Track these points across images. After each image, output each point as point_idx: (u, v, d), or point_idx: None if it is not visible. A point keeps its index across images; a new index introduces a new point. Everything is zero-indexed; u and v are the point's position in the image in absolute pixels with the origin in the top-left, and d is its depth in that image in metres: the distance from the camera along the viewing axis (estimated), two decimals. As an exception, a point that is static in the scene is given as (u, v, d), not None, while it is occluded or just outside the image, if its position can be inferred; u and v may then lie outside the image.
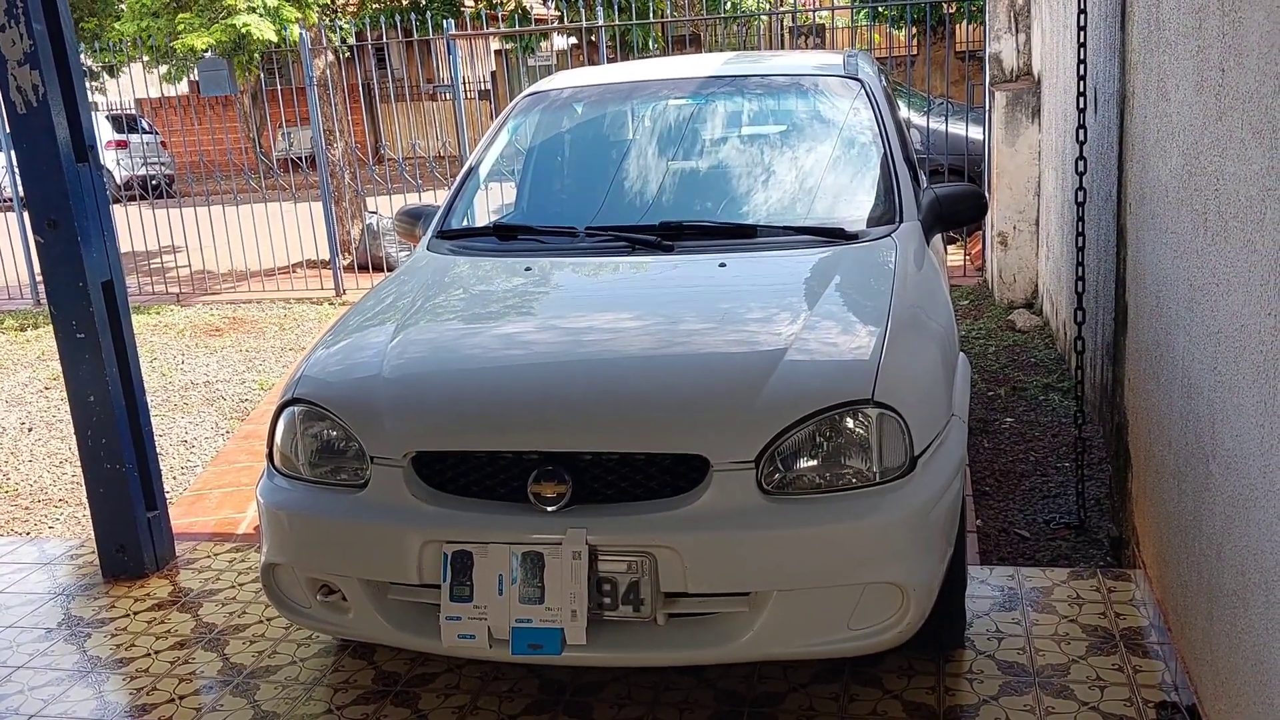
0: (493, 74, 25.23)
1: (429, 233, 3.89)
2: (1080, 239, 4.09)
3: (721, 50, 18.25)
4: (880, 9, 18.41)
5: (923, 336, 2.94)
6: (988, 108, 8.28)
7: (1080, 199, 4.05)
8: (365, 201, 11.70)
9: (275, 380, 7.06)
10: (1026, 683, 3.04)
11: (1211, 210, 2.57)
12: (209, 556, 4.21)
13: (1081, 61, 3.99)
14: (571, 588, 2.54)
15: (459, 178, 4.09)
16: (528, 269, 3.42)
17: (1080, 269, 4.11)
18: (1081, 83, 4.00)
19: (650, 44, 22.23)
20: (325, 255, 11.49)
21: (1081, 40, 3.96)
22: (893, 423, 2.63)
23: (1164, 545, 3.13)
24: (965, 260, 9.49)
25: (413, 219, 4.10)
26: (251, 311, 9.46)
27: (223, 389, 6.90)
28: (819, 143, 3.93)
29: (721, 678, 3.13)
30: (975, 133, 9.62)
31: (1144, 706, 2.90)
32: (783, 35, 22.08)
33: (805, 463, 2.62)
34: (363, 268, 10.66)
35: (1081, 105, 4.00)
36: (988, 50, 8.25)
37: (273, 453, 2.98)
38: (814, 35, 22.59)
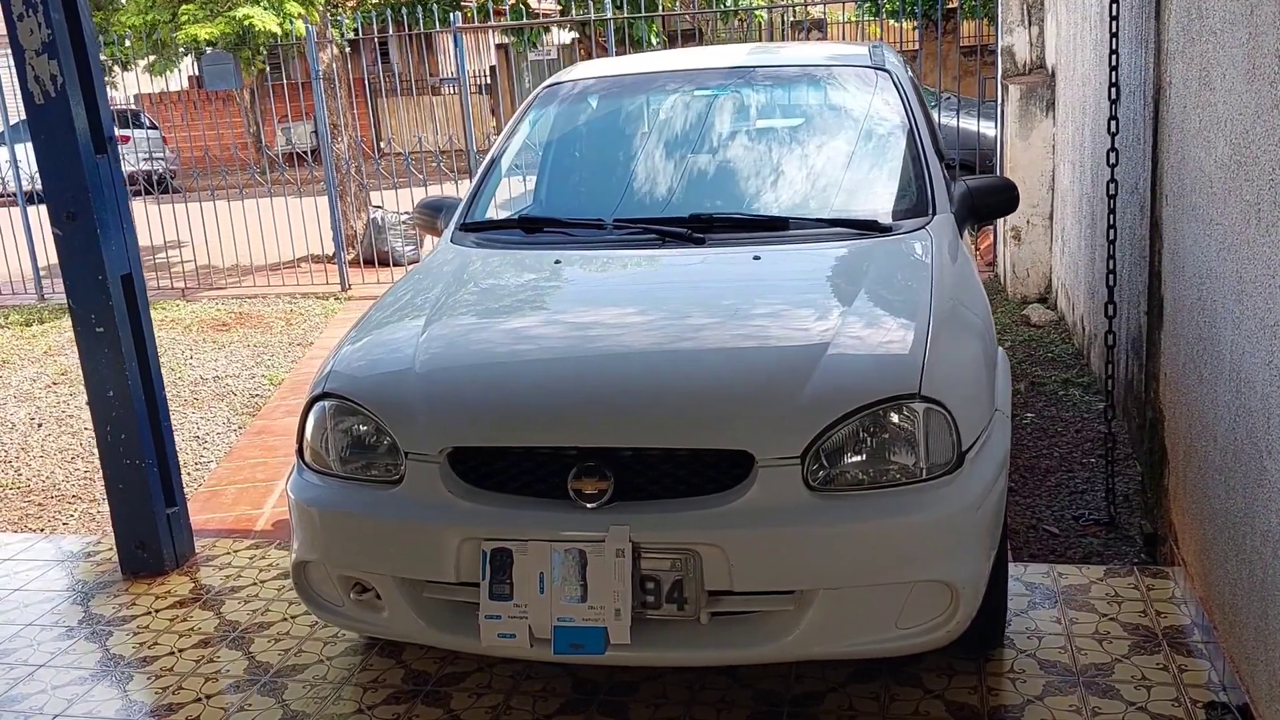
0: (493, 68, 25.15)
1: (452, 225, 3.83)
2: (1111, 231, 4.04)
3: (723, 45, 18.17)
4: (883, 3, 18.36)
5: (964, 331, 2.89)
6: (1000, 101, 8.23)
7: (1112, 191, 3.99)
8: (370, 196, 11.63)
9: (285, 375, 7.00)
10: (1070, 682, 2.99)
11: (1265, 201, 2.52)
12: (229, 553, 4.16)
13: (1114, 52, 3.94)
14: (615, 586, 2.49)
15: (480, 170, 4.03)
16: (557, 262, 3.36)
17: (1111, 262, 4.06)
18: (1114, 73, 3.95)
19: (653, 38, 22.18)
20: (329, 250, 11.45)
21: (1114, 30, 3.91)
22: (939, 418, 2.57)
23: (1208, 542, 3.08)
24: (975, 255, 9.44)
25: (433, 211, 4.04)
26: (257, 306, 9.40)
27: (232, 384, 6.84)
28: (848, 134, 3.87)
29: (759, 677, 3.08)
30: (983, 127, 9.56)
31: (1192, 707, 2.85)
32: (784, 30, 22.03)
33: (850, 459, 2.57)
34: (368, 262, 10.60)
35: (1114, 96, 3.94)
36: (1000, 43, 8.19)
37: (303, 448, 2.93)
38: (815, 30, 22.54)
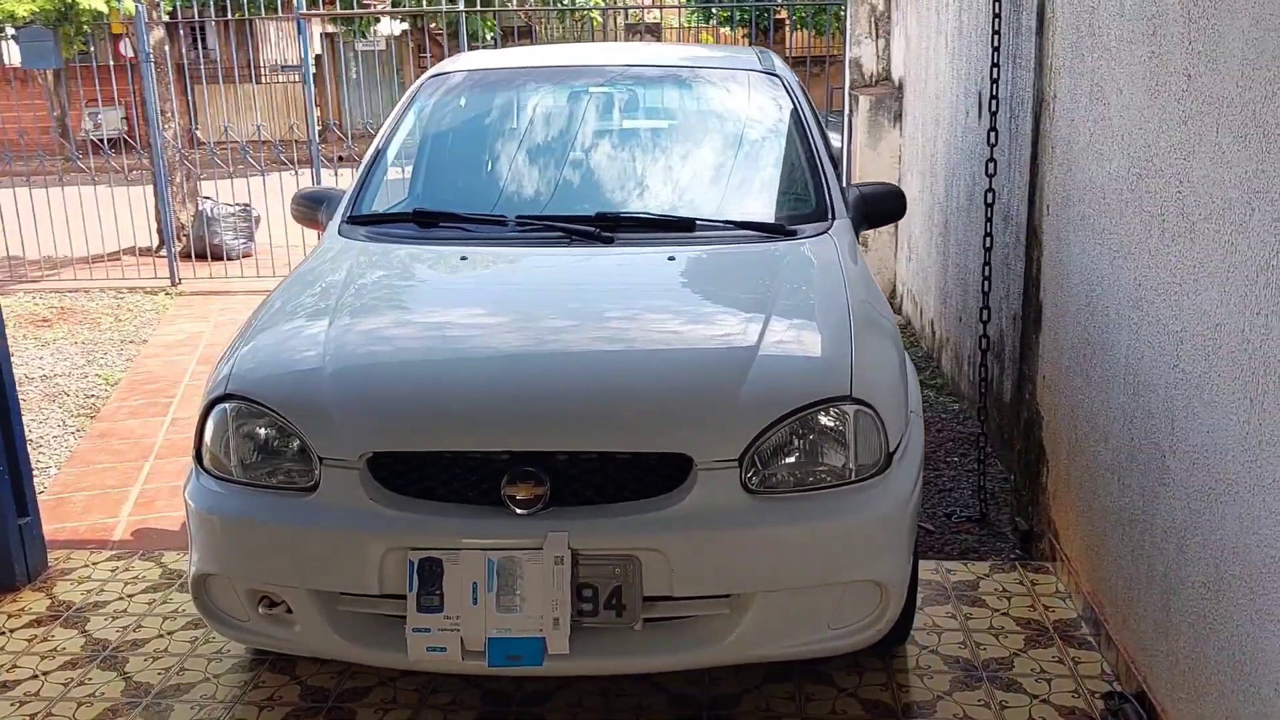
0: (318, 57, 24.37)
1: (337, 218, 3.67)
2: (988, 240, 4.19)
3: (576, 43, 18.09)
4: (714, 10, 18.67)
5: (881, 334, 2.94)
6: (848, 111, 8.47)
7: (990, 200, 4.15)
8: (199, 186, 11.07)
9: (121, 375, 6.58)
10: (975, 677, 3.08)
11: (1170, 212, 2.65)
12: (86, 565, 3.86)
13: (996, 65, 4.08)
14: (554, 595, 2.42)
15: (365, 161, 3.87)
16: (463, 258, 3.25)
17: (987, 269, 4.21)
18: (995, 86, 4.10)
19: (487, 34, 21.95)
20: (151, 242, 10.84)
21: (996, 45, 4.06)
22: (869, 419, 2.61)
23: (1097, 539, 3.23)
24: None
25: (313, 203, 3.86)
26: (80, 301, 8.81)
27: (64, 384, 6.38)
28: (746, 137, 3.89)
29: (673, 681, 3.05)
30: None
31: (1091, 698, 2.97)
32: (618, 33, 22.14)
33: (785, 461, 2.58)
34: (196, 256, 10.06)
35: (995, 108, 4.09)
36: (847, 54, 8.43)
37: (201, 453, 2.73)
38: (650, 34, 22.74)
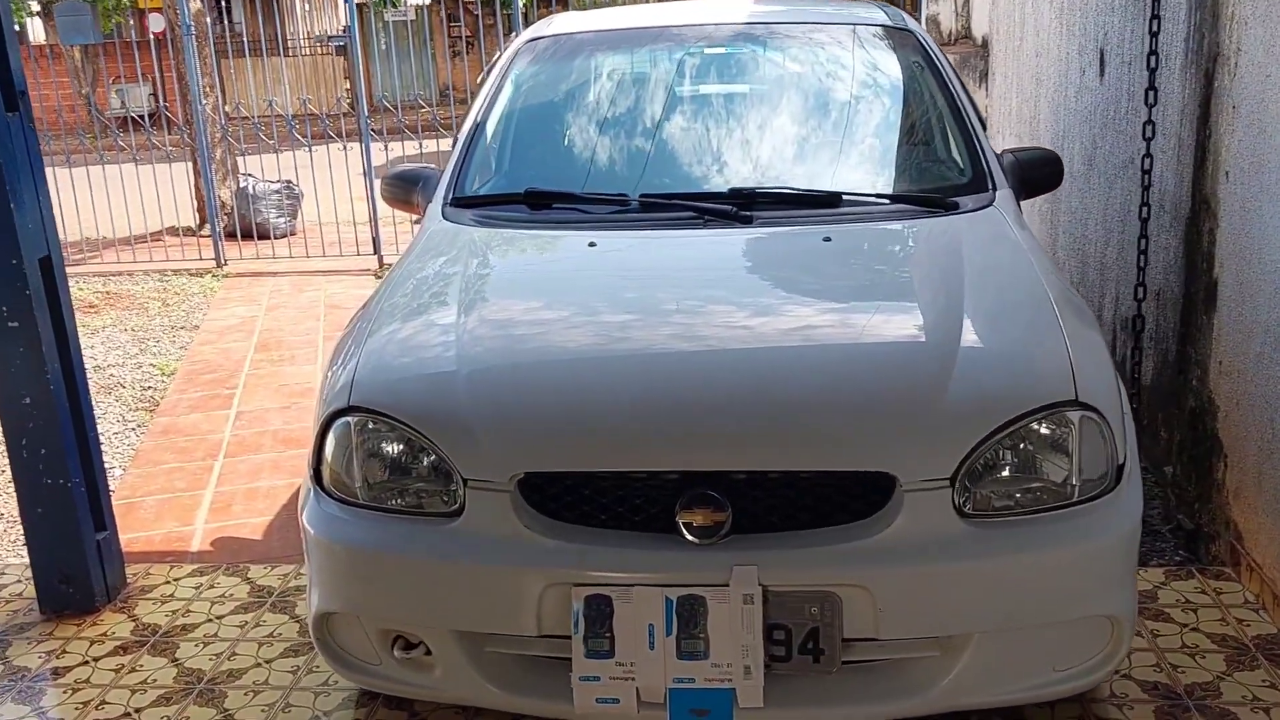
0: (347, 29, 24.00)
1: (438, 200, 3.31)
2: (1145, 209, 3.80)
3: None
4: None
5: (1088, 323, 2.56)
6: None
7: (1147, 166, 3.75)
8: (238, 163, 10.75)
9: (176, 364, 6.28)
10: (1181, 706, 2.73)
11: None
12: (168, 582, 3.56)
13: (1156, 16, 3.68)
14: (744, 639, 2.08)
15: (463, 137, 3.51)
16: (592, 244, 2.89)
17: (1144, 242, 3.83)
18: (1154, 40, 3.69)
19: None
20: (193, 222, 10.53)
21: (1155, 11, 3.65)
22: (1096, 427, 2.25)
23: (1310, 547, 2.86)
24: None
25: (408, 183, 3.50)
26: (125, 285, 8.53)
27: (118, 375, 6.09)
28: (889, 101, 3.51)
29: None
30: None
31: (1321, 730, 2.62)
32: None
33: (997, 479, 2.22)
34: (235, 235, 9.70)
35: (1154, 65, 3.69)
36: (924, 12, 8.01)
37: (320, 471, 2.40)
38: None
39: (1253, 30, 3.15)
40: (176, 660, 3.11)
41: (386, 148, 9.46)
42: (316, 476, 2.41)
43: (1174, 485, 3.84)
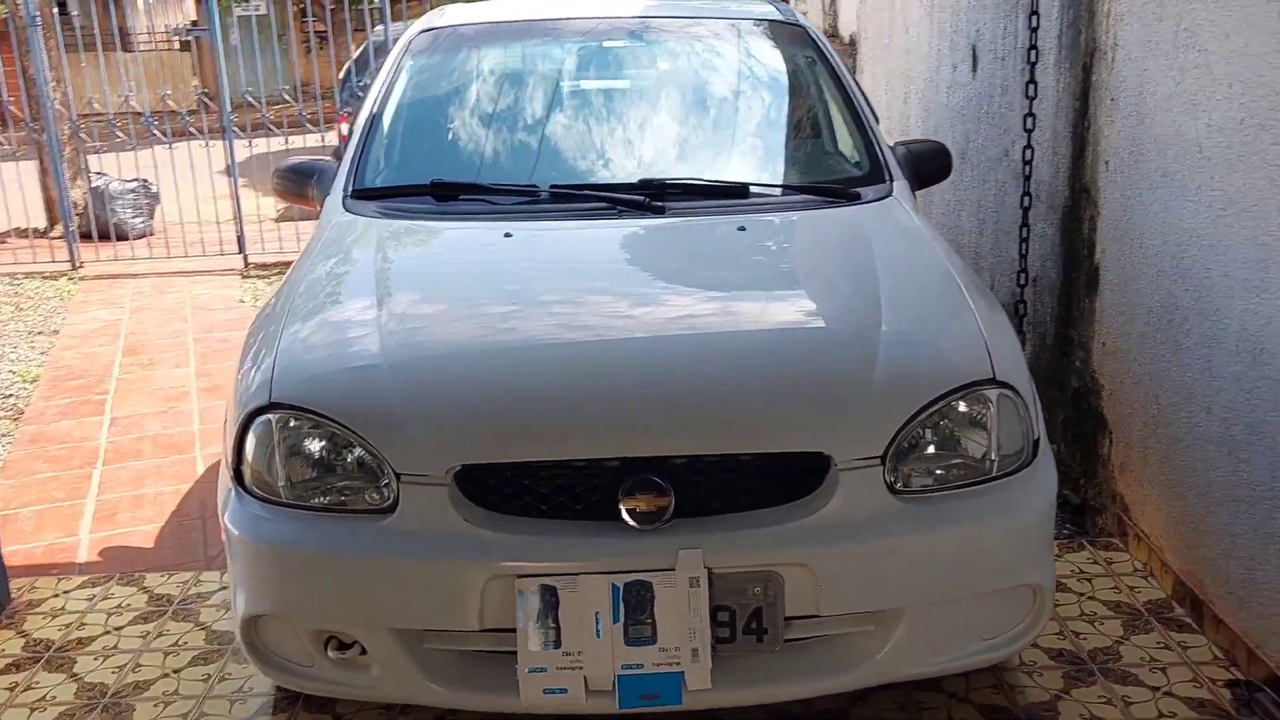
0: (194, 23, 23.16)
1: (338, 192, 3.24)
2: (1027, 198, 3.96)
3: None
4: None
5: (993, 305, 2.66)
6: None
7: (1028, 157, 3.92)
8: (88, 161, 10.25)
9: (38, 370, 5.97)
10: (1086, 671, 2.86)
11: (1318, 165, 2.43)
12: (57, 595, 3.39)
13: (1035, 13, 3.83)
14: (691, 622, 2.10)
15: (360, 129, 3.44)
16: (508, 235, 2.87)
17: (1025, 229, 3.99)
18: (1034, 35, 3.85)
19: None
20: (40, 223, 10.01)
21: (1034, 7, 3.80)
22: (1012, 404, 2.34)
23: (1195, 516, 3.03)
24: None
25: (303, 176, 3.42)
26: (-30, 289, 8.06)
27: (-25, 383, 5.76)
28: (786, 94, 3.58)
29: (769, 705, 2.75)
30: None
31: (1214, 686, 2.78)
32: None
33: (926, 456, 2.29)
34: (89, 236, 9.24)
35: (1034, 60, 3.85)
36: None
37: (241, 472, 2.32)
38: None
39: (1129, 26, 3.31)
40: (75, 675, 2.97)
41: (251, 144, 9.18)
42: (238, 477, 2.32)
43: (1060, 462, 4.01)
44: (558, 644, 2.10)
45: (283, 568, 2.25)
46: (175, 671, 2.98)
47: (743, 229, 2.87)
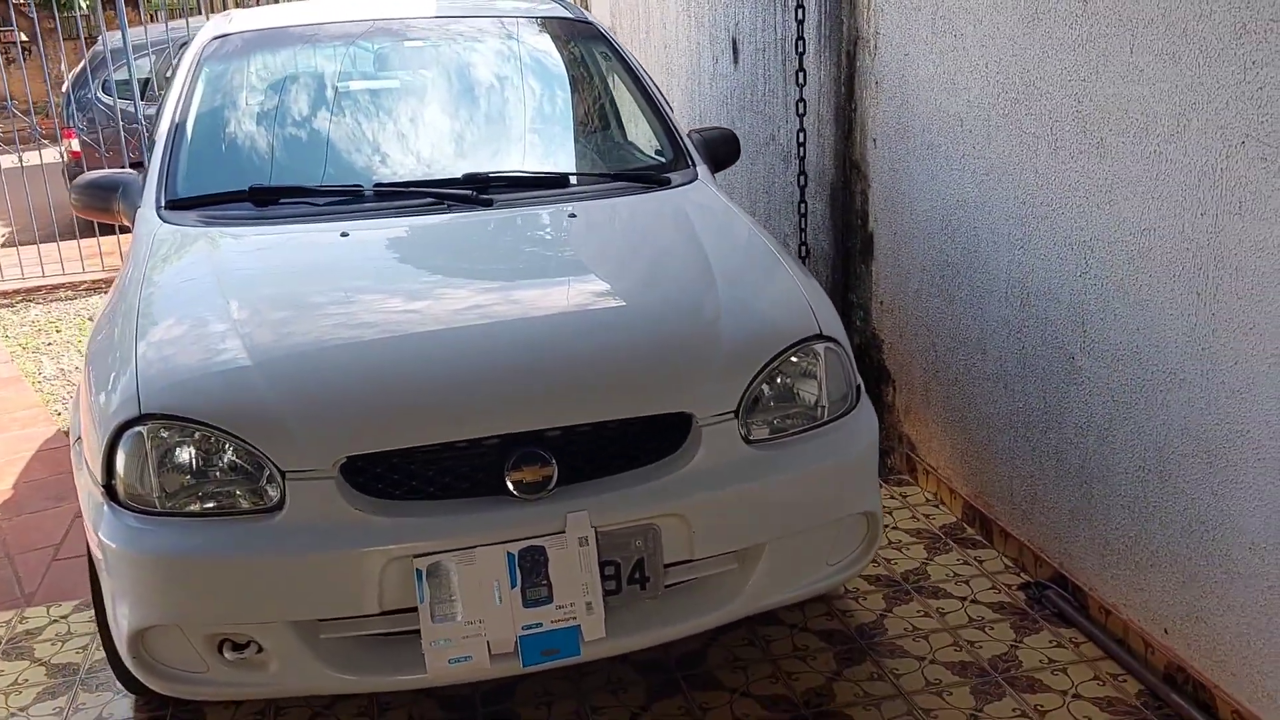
0: None
1: (149, 204, 3.18)
2: (803, 177, 4.31)
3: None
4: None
5: (803, 270, 2.95)
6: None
7: (801, 140, 4.27)
8: None
9: None
10: (903, 591, 3.22)
11: (1067, 131, 2.84)
12: None
13: (800, 6, 4.17)
14: (583, 578, 2.27)
15: (163, 138, 3.38)
16: (344, 234, 2.92)
17: (803, 206, 4.35)
18: (801, 27, 4.19)
19: (82, 1, 19.85)
20: None
21: (800, 2, 4.14)
22: (836, 356, 2.63)
23: (978, 446, 3.44)
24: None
25: (106, 190, 3.35)
26: None
27: None
28: (585, 88, 3.76)
29: (634, 652, 2.95)
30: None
31: (1010, 590, 3.19)
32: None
33: (768, 408, 2.54)
34: None
35: (802, 49, 4.19)
36: (544, 7, 8.36)
37: (112, 486, 2.30)
38: (267, -4, 21.45)
39: (889, 16, 3.70)
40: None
41: None
42: (110, 492, 2.30)
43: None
44: (457, 616, 2.22)
45: (169, 576, 2.25)
46: (22, 710, 2.87)
47: (574, 215, 3.04)
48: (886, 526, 3.58)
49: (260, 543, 2.22)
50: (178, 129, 3.39)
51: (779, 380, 2.57)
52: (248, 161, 3.40)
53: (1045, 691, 2.73)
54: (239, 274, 2.77)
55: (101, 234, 8.18)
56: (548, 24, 3.95)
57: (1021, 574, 3.27)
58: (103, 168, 8.79)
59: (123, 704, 2.87)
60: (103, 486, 2.31)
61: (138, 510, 2.28)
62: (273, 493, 2.25)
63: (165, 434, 2.29)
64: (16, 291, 7.85)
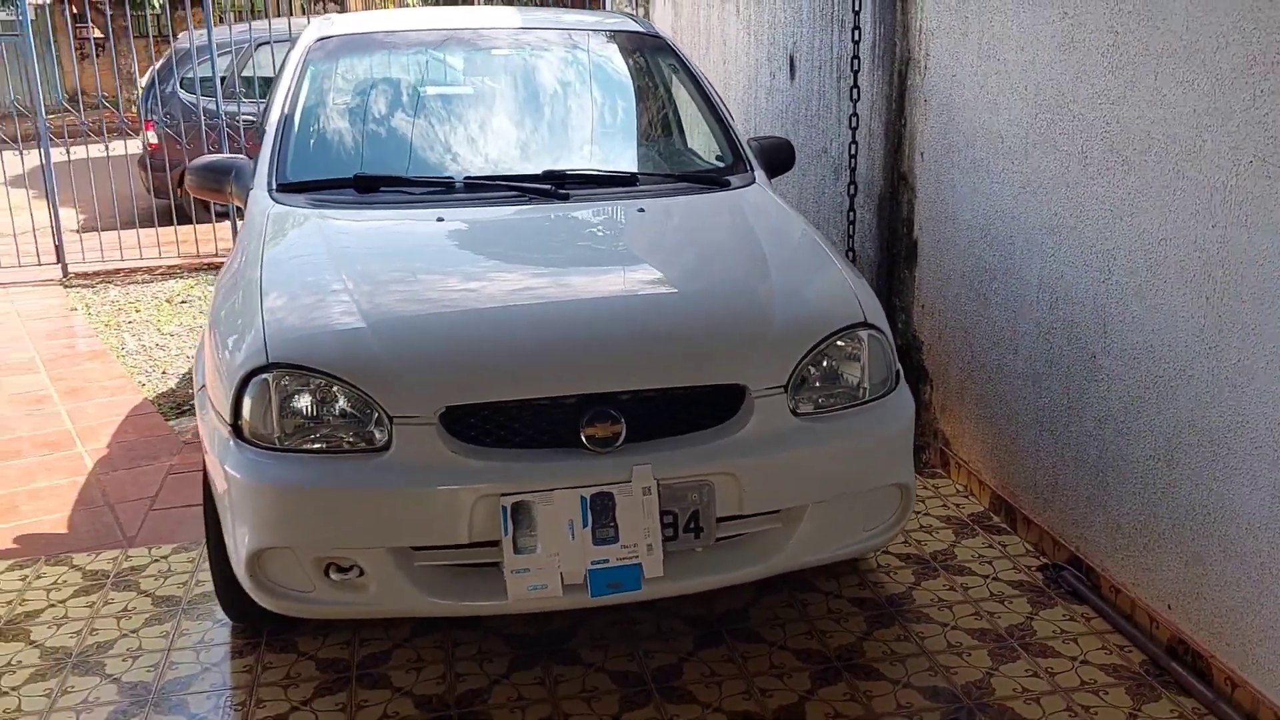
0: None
1: (260, 186, 3.54)
2: (852, 186, 4.61)
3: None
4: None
5: (850, 265, 3.25)
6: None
7: (853, 152, 4.57)
8: None
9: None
10: (931, 568, 3.49)
11: (1096, 149, 3.12)
12: (-15, 578, 3.53)
13: (857, 28, 4.48)
14: (645, 523, 2.57)
15: (274, 129, 3.73)
16: (440, 219, 3.26)
17: (852, 213, 4.64)
18: (857, 47, 4.49)
19: (155, 0, 20.52)
20: None
21: (856, 8, 4.45)
22: (878, 343, 2.92)
23: (1007, 439, 3.71)
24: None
25: (220, 173, 3.71)
26: None
27: None
28: (656, 96, 4.09)
29: (682, 604, 3.25)
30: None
31: (1030, 570, 3.46)
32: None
33: (815, 384, 2.84)
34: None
35: (856, 68, 4.49)
36: (607, 22, 8.72)
37: (239, 426, 2.64)
38: (333, 1, 22.02)
39: (939, 41, 3.99)
40: (34, 643, 3.17)
41: (22, 153, 8.89)
42: (236, 431, 2.64)
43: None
44: (536, 549, 2.53)
45: (287, 504, 2.58)
46: (133, 631, 3.22)
47: (642, 210, 3.37)
48: (919, 513, 3.86)
49: (369, 477, 2.55)
50: (286, 120, 3.75)
51: (825, 362, 2.86)
52: (348, 152, 3.75)
53: (1056, 657, 3.00)
54: (349, 249, 3.11)
55: (179, 223, 8.62)
56: (621, 37, 4.29)
57: (1040, 557, 3.53)
58: (181, 159, 9.26)
59: (221, 631, 3.21)
60: (230, 425, 2.65)
61: (260, 447, 2.62)
62: (378, 435, 2.58)
63: (287, 381, 2.62)
64: (96, 273, 8.28)
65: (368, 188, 3.46)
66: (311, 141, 3.73)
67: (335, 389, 2.60)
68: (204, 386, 2.94)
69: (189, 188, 3.80)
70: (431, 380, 2.60)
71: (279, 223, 3.29)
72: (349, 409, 2.61)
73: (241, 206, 3.69)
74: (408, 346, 2.65)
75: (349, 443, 2.60)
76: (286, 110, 3.78)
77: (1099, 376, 3.20)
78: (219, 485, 2.71)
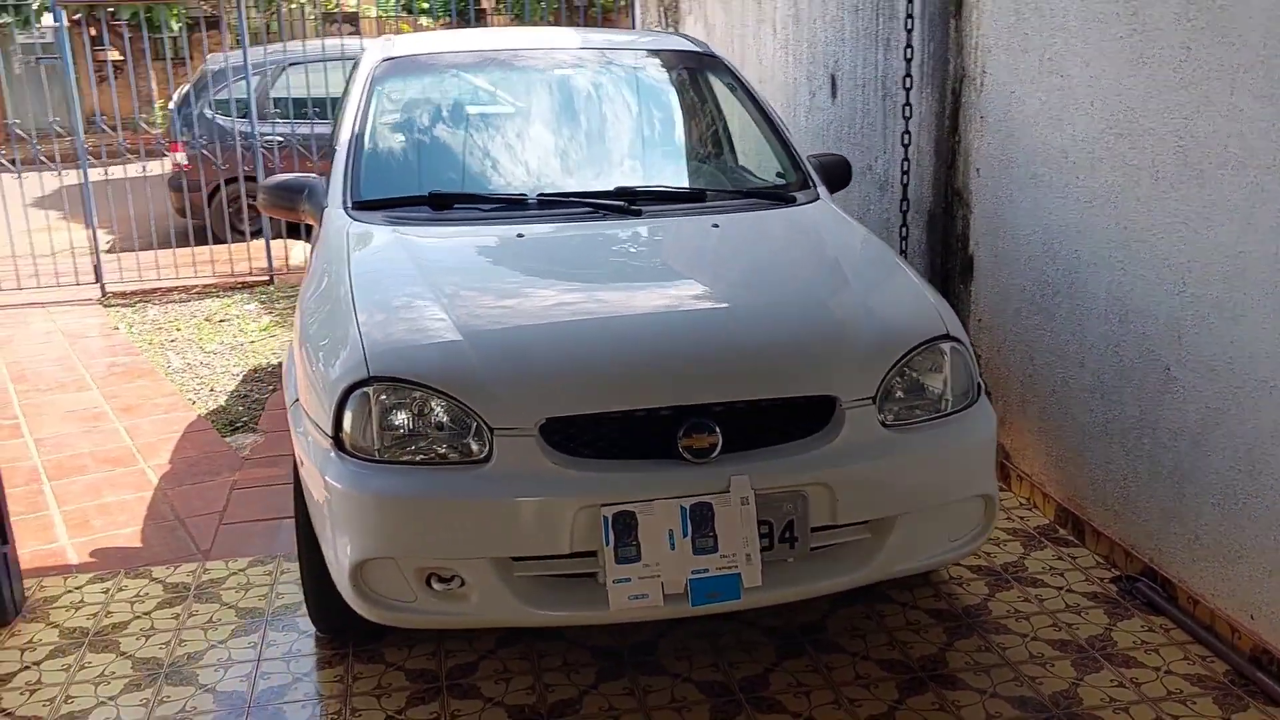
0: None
1: (336, 204, 3.59)
2: (905, 203, 4.66)
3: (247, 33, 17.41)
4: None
5: (924, 279, 3.30)
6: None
7: (906, 169, 4.62)
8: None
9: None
10: (1003, 580, 3.52)
11: (1168, 163, 3.16)
12: (70, 591, 3.58)
13: (909, 46, 4.54)
14: (743, 533, 2.61)
15: (346, 147, 3.79)
16: (520, 235, 3.32)
17: (905, 229, 4.69)
18: (909, 65, 4.55)
19: (173, 24, 20.67)
20: None
21: (909, 27, 4.51)
22: (961, 356, 2.96)
23: (1073, 452, 3.75)
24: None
25: (293, 191, 3.76)
26: None
27: None
28: (718, 115, 4.14)
29: (761, 617, 3.29)
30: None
31: (1102, 582, 3.48)
32: (317, 22, 21.44)
33: (901, 396, 2.88)
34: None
35: (909, 85, 4.54)
36: (638, 42, 8.80)
37: (340, 438, 2.68)
38: (348, 24, 22.18)
39: (997, 57, 4.05)
40: (125, 654, 3.21)
41: (20, 177, 8.95)
42: (338, 443, 2.68)
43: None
44: (638, 558, 2.57)
45: (390, 515, 2.62)
46: (221, 643, 3.26)
47: (716, 225, 3.42)
48: (983, 525, 3.89)
49: (473, 488, 2.59)
50: (357, 139, 3.81)
51: (909, 374, 2.90)
52: (420, 170, 3.81)
53: (1139, 667, 3.02)
54: (435, 264, 3.16)
55: (214, 243, 8.69)
56: (678, 56, 4.35)
57: (1113, 569, 3.56)
58: (215, 179, 9.33)
59: (307, 642, 3.24)
60: (331, 438, 2.69)
61: (361, 459, 2.66)
62: (477, 447, 2.62)
63: (386, 395, 2.66)
64: (134, 293, 8.35)
65: (442, 205, 3.52)
66: (383, 160, 3.79)
67: (434, 401, 2.65)
68: (297, 401, 2.98)
69: (260, 206, 3.86)
70: (531, 392, 2.64)
71: (361, 240, 3.35)
72: (447, 421, 2.65)
73: (313, 224, 3.75)
74: (506, 359, 2.70)
75: (446, 454, 2.65)
76: (357, 129, 3.84)
77: (1173, 389, 3.23)
78: (318, 496, 2.75)
